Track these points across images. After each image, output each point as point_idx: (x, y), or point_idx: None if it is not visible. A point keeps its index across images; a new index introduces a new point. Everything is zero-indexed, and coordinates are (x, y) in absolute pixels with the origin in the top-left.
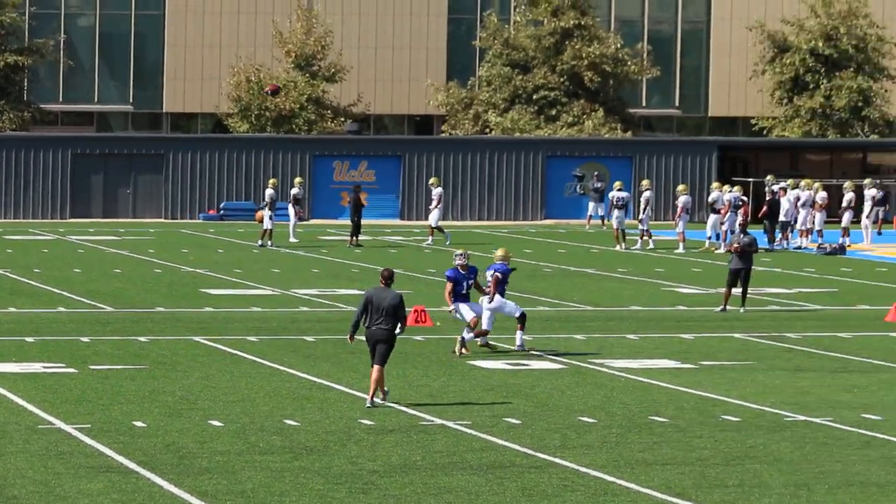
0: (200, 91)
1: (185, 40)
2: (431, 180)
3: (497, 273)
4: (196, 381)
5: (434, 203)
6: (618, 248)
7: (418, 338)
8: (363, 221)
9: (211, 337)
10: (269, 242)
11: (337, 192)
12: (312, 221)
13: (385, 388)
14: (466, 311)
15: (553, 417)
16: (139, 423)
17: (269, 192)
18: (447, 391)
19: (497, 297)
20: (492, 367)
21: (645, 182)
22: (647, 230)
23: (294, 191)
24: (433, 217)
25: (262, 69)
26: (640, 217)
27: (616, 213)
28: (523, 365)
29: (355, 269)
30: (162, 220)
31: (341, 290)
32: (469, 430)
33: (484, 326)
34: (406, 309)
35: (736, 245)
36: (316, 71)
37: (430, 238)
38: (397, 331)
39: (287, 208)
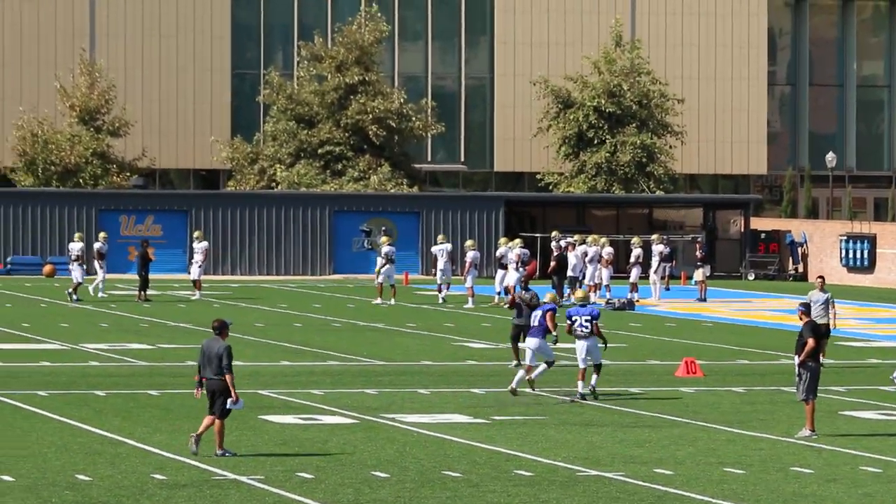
0: None
1: None
2: (196, 233)
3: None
4: None
5: (199, 257)
6: (378, 301)
7: None
8: (151, 276)
9: None
10: (75, 296)
11: (124, 246)
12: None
13: (224, 448)
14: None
15: (346, 472)
16: None
17: (75, 245)
18: (240, 445)
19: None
20: (283, 422)
21: (469, 242)
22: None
23: (97, 245)
24: (196, 271)
25: (45, 122)
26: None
27: (385, 266)
28: (315, 419)
29: (144, 324)
30: None
31: (131, 345)
32: (262, 485)
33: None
34: (230, 359)
35: (511, 298)
36: (100, 125)
37: (198, 293)
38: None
39: (87, 264)
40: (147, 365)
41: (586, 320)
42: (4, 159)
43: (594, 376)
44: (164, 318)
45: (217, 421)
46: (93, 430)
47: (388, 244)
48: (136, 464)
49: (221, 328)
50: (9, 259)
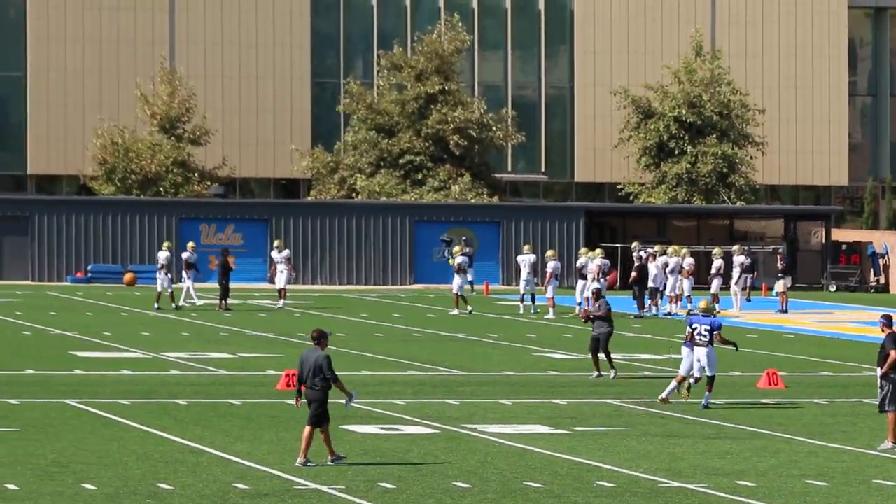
0: (65, 153)
1: (48, 101)
2: (276, 242)
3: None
4: (68, 444)
5: (284, 266)
6: (455, 312)
7: (290, 402)
8: (231, 285)
9: (82, 400)
10: (174, 304)
11: (205, 255)
12: (179, 285)
13: (340, 453)
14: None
15: (428, 482)
16: (12, 486)
17: (163, 254)
18: (322, 454)
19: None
20: (365, 432)
21: (550, 252)
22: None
23: (186, 255)
24: (284, 280)
25: (126, 131)
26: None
27: (456, 277)
28: (396, 429)
29: (224, 333)
30: (28, 282)
31: (212, 354)
32: (343, 495)
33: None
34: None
35: (585, 311)
36: (181, 134)
37: (282, 301)
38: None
39: (180, 272)
40: (228, 374)
41: (706, 330)
42: (85, 168)
43: (706, 392)
44: (244, 327)
45: (316, 430)
46: (174, 438)
47: (461, 254)
48: (217, 473)
49: (320, 338)
50: (89, 267)
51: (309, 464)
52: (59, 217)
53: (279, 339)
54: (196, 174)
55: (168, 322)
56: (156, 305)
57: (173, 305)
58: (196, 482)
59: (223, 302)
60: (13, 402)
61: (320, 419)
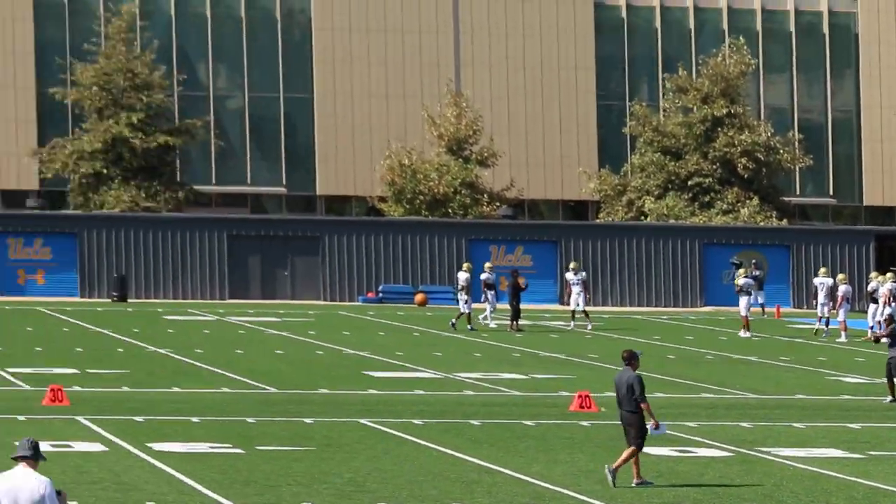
0: (353, 174)
1: (336, 123)
2: (572, 264)
3: None
4: (363, 463)
5: (579, 288)
6: (742, 334)
7: (584, 423)
8: (522, 306)
9: (375, 419)
10: (469, 325)
11: (495, 277)
12: (479, 305)
13: (648, 479)
14: None
15: None
16: None
17: (462, 275)
18: (627, 477)
19: None
20: (659, 454)
21: (841, 276)
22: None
23: (484, 276)
24: (582, 300)
25: (413, 153)
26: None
27: (742, 299)
28: (690, 452)
29: (516, 354)
30: (320, 301)
31: (504, 374)
32: None
33: None
34: (643, 388)
35: (876, 335)
36: (468, 155)
37: (589, 324)
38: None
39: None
40: (521, 395)
41: None
42: (374, 189)
43: None
44: (536, 348)
45: (633, 450)
46: (468, 458)
47: (745, 276)
48: (512, 494)
49: (631, 359)
50: (380, 288)
51: (647, 483)
52: (349, 238)
53: (570, 361)
54: (485, 195)
55: (460, 342)
56: (469, 326)
57: (468, 326)
58: (492, 502)
59: (514, 323)
60: (307, 420)
61: (642, 441)
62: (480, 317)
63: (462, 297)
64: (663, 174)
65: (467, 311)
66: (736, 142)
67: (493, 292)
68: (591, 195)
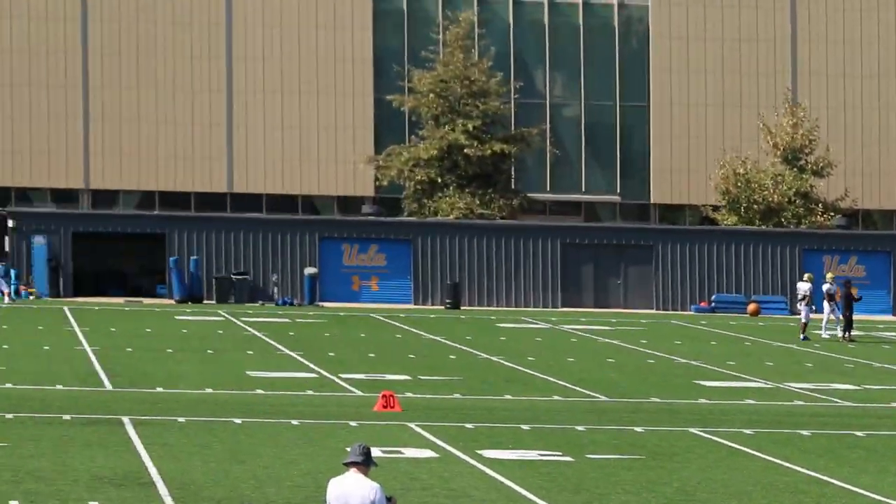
0: (687, 183)
1: (671, 132)
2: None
3: None
4: (693, 473)
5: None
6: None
7: None
8: (855, 317)
9: (706, 429)
10: (802, 335)
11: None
12: (817, 315)
13: None
14: None
15: None
16: None
17: (803, 285)
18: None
19: None
20: None
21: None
22: None
23: (826, 286)
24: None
25: (748, 161)
26: None
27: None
28: None
29: (849, 364)
30: (653, 311)
31: (836, 385)
32: None
33: None
34: None
35: None
36: (804, 165)
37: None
38: None
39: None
40: (853, 406)
41: None
42: (708, 198)
43: None
44: (869, 358)
45: None
46: (798, 469)
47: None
48: None
49: None
50: (713, 297)
51: None
52: (682, 246)
53: None
54: (819, 205)
55: (792, 352)
56: (802, 336)
57: (801, 336)
58: None
59: (847, 333)
60: (638, 429)
61: None
62: (823, 329)
63: (802, 307)
64: None
65: (805, 321)
66: None
67: (833, 303)
68: None
